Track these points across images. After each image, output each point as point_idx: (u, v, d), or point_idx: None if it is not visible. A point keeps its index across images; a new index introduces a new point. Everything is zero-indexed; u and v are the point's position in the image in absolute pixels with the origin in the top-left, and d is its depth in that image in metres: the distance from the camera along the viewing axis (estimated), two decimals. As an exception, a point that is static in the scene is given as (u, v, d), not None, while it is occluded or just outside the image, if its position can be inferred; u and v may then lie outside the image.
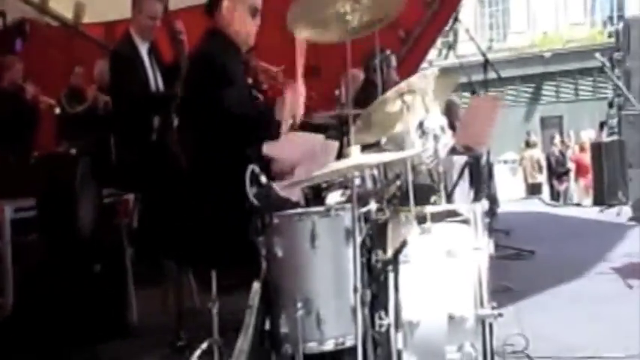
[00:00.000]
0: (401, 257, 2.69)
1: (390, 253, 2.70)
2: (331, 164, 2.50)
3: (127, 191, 4.48)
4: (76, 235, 4.41)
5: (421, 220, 2.79)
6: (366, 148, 3.11)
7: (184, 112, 3.18)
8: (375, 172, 2.96)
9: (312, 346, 2.60)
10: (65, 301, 4.31)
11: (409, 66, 8.32)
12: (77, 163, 4.39)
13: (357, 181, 2.95)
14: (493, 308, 2.63)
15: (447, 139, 2.97)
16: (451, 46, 6.67)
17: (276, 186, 2.85)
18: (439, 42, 13.02)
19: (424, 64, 8.90)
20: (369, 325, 2.63)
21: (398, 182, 2.92)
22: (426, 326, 2.66)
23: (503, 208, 10.83)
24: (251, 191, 2.55)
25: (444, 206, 2.92)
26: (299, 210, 2.65)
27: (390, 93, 2.69)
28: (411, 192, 2.75)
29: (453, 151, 4.75)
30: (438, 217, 2.83)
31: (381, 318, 2.66)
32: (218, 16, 3.18)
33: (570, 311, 4.46)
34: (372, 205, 2.84)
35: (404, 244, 2.57)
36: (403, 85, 2.68)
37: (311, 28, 2.73)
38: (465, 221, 2.80)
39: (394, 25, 7.73)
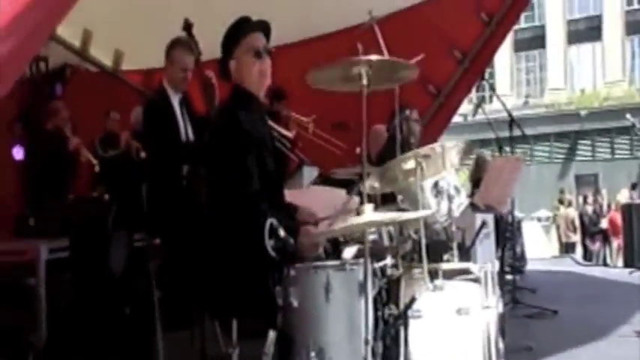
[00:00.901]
0: (413, 313, 2.79)
1: (401, 307, 2.79)
2: (347, 220, 2.61)
3: (156, 236, 4.63)
4: (106, 276, 4.58)
5: (434, 276, 2.88)
6: (382, 205, 3.24)
7: (209, 166, 3.31)
8: (392, 228, 3.07)
9: (325, 395, 2.69)
10: (95, 340, 4.47)
11: (440, 120, 8.51)
12: (110, 207, 4.57)
13: (374, 237, 3.09)
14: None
15: (462, 200, 3.07)
16: (479, 105, 6.79)
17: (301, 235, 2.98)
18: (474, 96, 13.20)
19: (457, 118, 9.06)
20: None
21: (412, 239, 3.01)
22: (437, 380, 2.74)
23: (533, 266, 10.80)
24: (269, 244, 2.68)
25: (456, 264, 3.01)
26: (315, 263, 2.76)
27: (408, 154, 2.82)
28: (423, 250, 2.86)
29: (475, 208, 4.85)
30: (450, 275, 2.93)
31: (392, 370, 2.75)
32: (232, 73, 3.31)
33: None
34: (387, 261, 2.96)
35: (412, 300, 2.66)
36: (424, 150, 2.81)
37: (332, 85, 2.89)
38: (476, 280, 2.89)
39: (425, 81, 7.94)
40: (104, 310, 4.55)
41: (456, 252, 3.08)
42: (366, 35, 4.97)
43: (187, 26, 4.50)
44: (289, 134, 6.09)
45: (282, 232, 2.71)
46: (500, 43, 8.12)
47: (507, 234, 8.93)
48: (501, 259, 7.42)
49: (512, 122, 6.14)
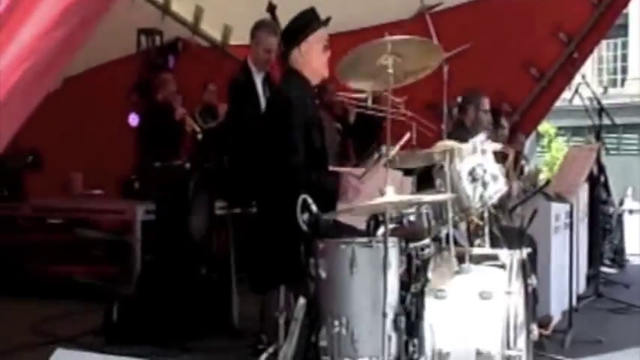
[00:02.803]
0: (438, 293, 2.92)
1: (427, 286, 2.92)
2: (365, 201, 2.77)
3: (235, 205, 4.91)
4: (187, 239, 4.94)
5: (462, 260, 2.99)
6: (421, 188, 3.36)
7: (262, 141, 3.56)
8: (430, 210, 3.17)
9: (347, 361, 2.88)
10: (177, 296, 4.85)
11: (542, 105, 8.34)
12: (191, 175, 4.91)
13: (412, 218, 3.21)
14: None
15: (499, 187, 3.13)
16: (577, 90, 6.63)
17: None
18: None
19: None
20: (402, 349, 2.88)
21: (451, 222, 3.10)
22: (456, 358, 2.86)
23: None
24: (301, 218, 2.88)
25: (485, 250, 3.09)
26: (342, 239, 2.93)
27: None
28: (451, 233, 2.96)
29: (548, 197, 4.83)
30: (478, 260, 3.02)
31: (414, 345, 2.89)
32: (294, 59, 3.53)
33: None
34: (424, 242, 3.08)
35: (426, 280, 2.79)
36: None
37: (359, 79, 3.03)
38: (502, 266, 2.96)
39: (527, 64, 7.81)
40: (184, 270, 4.89)
41: (487, 238, 3.15)
42: (418, 26, 4.97)
43: (271, 8, 4.71)
44: (398, 99, 6.24)
45: (314, 207, 2.90)
46: (608, 27, 7.87)
47: (607, 226, 8.70)
48: (590, 252, 7.28)
49: (601, 110, 6.00)
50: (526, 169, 7.41)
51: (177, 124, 6.97)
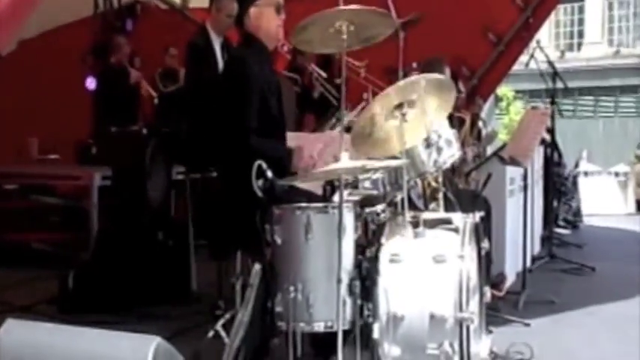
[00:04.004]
0: (393, 257, 2.96)
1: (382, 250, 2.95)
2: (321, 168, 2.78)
3: (193, 170, 4.88)
4: (145, 205, 4.91)
5: (416, 224, 3.03)
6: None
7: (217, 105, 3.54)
8: (385, 176, 3.20)
9: (303, 326, 2.91)
10: (134, 263, 4.84)
11: (499, 69, 8.43)
12: (148, 141, 4.86)
13: (367, 184, 3.23)
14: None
15: (453, 152, 3.17)
16: (532, 54, 6.70)
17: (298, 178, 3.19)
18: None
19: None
20: (357, 314, 2.92)
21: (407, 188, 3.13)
22: (410, 321, 2.90)
23: (601, 222, 10.61)
24: (256, 184, 2.88)
25: (438, 214, 3.13)
26: (298, 205, 2.94)
27: (378, 104, 2.90)
28: (405, 198, 2.99)
29: (503, 161, 4.89)
30: (432, 224, 3.06)
31: (368, 309, 2.93)
32: (247, 23, 3.49)
33: (600, 331, 4.49)
34: (378, 207, 3.11)
35: (380, 245, 2.82)
36: (389, 90, 2.87)
37: (313, 44, 3.01)
38: (456, 230, 3.01)
39: (485, 29, 7.86)
40: (141, 237, 4.87)
41: (442, 202, 3.19)
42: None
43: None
44: (358, 63, 6.25)
45: (269, 173, 2.90)
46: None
47: (562, 188, 8.88)
48: (545, 213, 7.44)
49: (555, 75, 6.09)
50: (483, 132, 7.51)
51: (132, 87, 6.91)
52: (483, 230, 3.30)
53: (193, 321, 4.22)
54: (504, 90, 21.45)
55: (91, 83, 7.41)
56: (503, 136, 20.60)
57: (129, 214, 4.89)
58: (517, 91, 22.39)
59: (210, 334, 3.62)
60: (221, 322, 3.65)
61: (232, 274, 4.66)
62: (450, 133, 3.16)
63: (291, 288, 2.86)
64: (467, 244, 2.94)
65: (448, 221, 3.05)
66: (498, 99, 21.85)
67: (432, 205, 3.17)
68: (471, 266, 2.94)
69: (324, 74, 6.64)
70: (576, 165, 16.97)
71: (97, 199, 5.74)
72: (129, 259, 4.77)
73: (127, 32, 7.81)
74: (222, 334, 3.57)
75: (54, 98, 7.74)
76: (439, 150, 3.06)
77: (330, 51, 3.12)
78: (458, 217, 3.06)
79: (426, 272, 2.93)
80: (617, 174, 17.28)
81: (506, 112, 22.76)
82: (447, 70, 5.11)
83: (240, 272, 3.61)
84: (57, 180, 6.52)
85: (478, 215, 3.06)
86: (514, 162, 4.80)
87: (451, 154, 3.15)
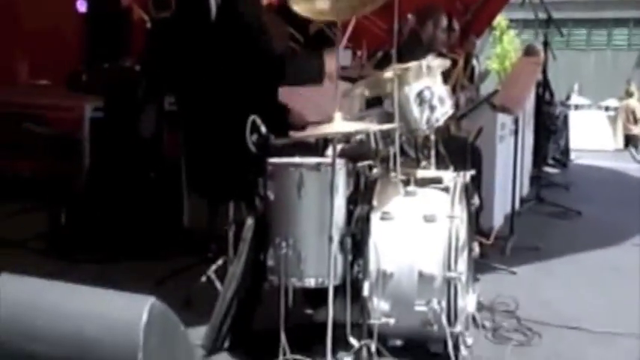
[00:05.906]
0: (384, 215, 2.99)
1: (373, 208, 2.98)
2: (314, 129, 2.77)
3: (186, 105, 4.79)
4: (137, 139, 4.89)
5: (408, 182, 3.05)
6: (370, 107, 3.36)
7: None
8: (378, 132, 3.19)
9: (294, 281, 2.95)
10: (126, 198, 4.85)
11: (493, 4, 8.28)
12: (141, 78, 4.80)
13: (361, 137, 3.23)
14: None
15: (446, 109, 3.16)
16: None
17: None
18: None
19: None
20: (348, 270, 2.96)
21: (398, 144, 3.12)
22: (399, 278, 2.96)
23: (590, 160, 10.69)
24: (250, 139, 2.88)
25: (430, 172, 3.15)
26: (291, 160, 2.94)
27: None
28: (397, 156, 3.00)
29: (494, 108, 4.88)
30: (424, 182, 3.08)
31: (359, 266, 2.98)
32: None
33: (584, 279, 4.53)
34: (365, 163, 3.12)
35: (372, 207, 2.84)
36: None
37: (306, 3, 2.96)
38: (446, 189, 3.03)
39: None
40: (133, 171, 4.87)
41: (432, 161, 3.20)
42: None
43: None
44: None
45: (263, 129, 2.89)
46: None
47: (553, 127, 8.90)
48: (535, 153, 7.47)
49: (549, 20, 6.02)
50: (476, 71, 7.44)
51: (123, 11, 6.78)
52: (473, 184, 3.33)
53: (185, 262, 4.25)
54: (498, 19, 21.17)
55: (81, 5, 7.30)
56: (495, 66, 20.55)
57: (121, 147, 4.86)
58: (511, 20, 22.13)
59: (203, 279, 3.66)
60: (213, 267, 3.68)
61: (225, 216, 4.70)
62: (443, 90, 3.14)
63: (283, 243, 2.89)
64: (457, 204, 2.97)
65: (439, 180, 3.07)
66: (492, 28, 21.60)
67: (424, 164, 3.17)
68: (460, 226, 2.97)
69: None
70: (567, 98, 16.97)
71: (89, 131, 5.74)
72: (121, 195, 4.79)
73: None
74: (215, 279, 3.61)
75: (44, 20, 7.59)
76: (432, 108, 3.04)
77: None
78: (448, 177, 3.07)
79: (416, 231, 2.97)
80: (607, 108, 17.32)
81: (500, 42, 22.55)
82: (444, 20, 5.01)
83: (232, 220, 3.62)
84: (47, 110, 6.45)
85: (469, 174, 3.08)
86: (505, 110, 4.78)
87: (444, 111, 3.14)
